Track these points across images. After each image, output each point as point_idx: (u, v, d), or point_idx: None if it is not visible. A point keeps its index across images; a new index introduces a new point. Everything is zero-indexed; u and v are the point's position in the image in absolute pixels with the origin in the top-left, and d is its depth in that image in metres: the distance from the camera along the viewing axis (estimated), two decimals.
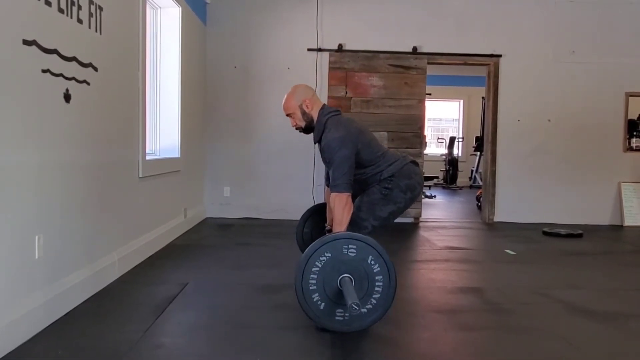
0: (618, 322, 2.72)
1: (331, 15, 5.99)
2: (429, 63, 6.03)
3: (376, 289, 2.29)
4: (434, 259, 4.19)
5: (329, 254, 2.27)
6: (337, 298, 2.28)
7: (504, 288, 3.33)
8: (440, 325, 2.64)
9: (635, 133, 6.43)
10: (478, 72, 7.63)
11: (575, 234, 5.36)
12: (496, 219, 6.22)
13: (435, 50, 6.04)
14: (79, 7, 2.70)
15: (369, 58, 5.94)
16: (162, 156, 4.68)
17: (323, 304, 2.28)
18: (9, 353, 2.12)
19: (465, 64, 6.24)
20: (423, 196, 7.92)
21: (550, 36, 6.15)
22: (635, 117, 6.42)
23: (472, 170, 11.34)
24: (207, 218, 5.99)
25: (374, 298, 2.30)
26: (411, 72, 5.97)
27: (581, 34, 6.16)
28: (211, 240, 4.79)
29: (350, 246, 2.27)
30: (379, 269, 2.28)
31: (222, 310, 2.78)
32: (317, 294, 2.28)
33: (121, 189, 3.40)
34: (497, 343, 2.44)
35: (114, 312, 2.70)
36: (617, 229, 5.97)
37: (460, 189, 11.15)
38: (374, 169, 2.68)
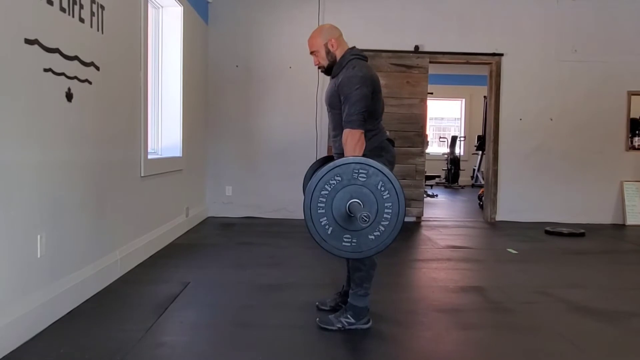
0: (620, 321, 2.72)
1: (333, 13, 5.98)
2: (431, 62, 6.02)
3: (385, 215, 2.24)
4: (436, 258, 4.19)
5: (339, 178, 2.22)
6: (346, 223, 2.22)
7: (506, 287, 3.33)
8: (442, 324, 2.64)
9: (637, 132, 6.42)
10: (480, 71, 7.64)
11: (577, 233, 5.35)
12: (498, 218, 6.21)
13: (437, 49, 6.04)
14: (81, 6, 2.70)
15: (371, 57, 5.86)
16: (164, 155, 4.68)
17: (331, 228, 2.23)
18: (12, 351, 2.12)
19: (467, 62, 6.23)
20: (425, 195, 7.91)
21: (552, 35, 6.14)
22: (637, 115, 6.41)
23: (474, 169, 11.33)
24: (209, 217, 5.99)
25: (382, 225, 2.24)
26: (413, 71, 5.96)
27: (583, 33, 6.14)
28: (213, 240, 4.79)
29: (360, 171, 2.22)
30: (388, 195, 2.23)
31: (223, 309, 2.78)
32: (325, 218, 2.23)
33: (123, 188, 3.40)
34: (499, 342, 2.44)
35: (115, 311, 2.70)
36: (619, 228, 5.96)
37: (462, 188, 11.14)
38: (366, 133, 2.62)
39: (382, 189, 2.22)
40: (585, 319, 2.75)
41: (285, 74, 5.94)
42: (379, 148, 2.60)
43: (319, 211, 2.21)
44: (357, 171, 2.21)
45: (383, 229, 2.23)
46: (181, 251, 4.16)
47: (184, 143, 4.86)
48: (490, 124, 6.29)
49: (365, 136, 2.53)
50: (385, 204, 2.23)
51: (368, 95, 2.49)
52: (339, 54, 2.63)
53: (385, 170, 2.22)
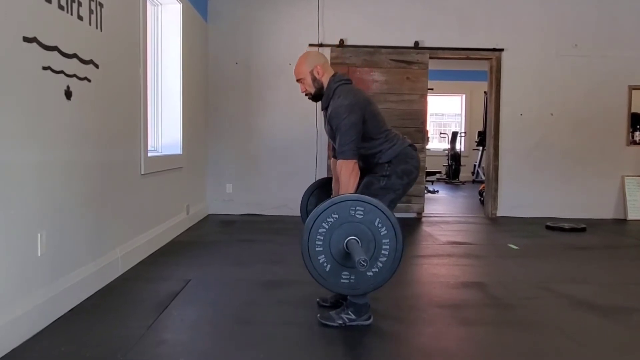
0: (621, 316, 2.72)
1: (332, 10, 5.97)
2: (431, 58, 6.01)
3: (383, 252, 2.25)
4: (437, 254, 4.19)
5: (336, 216, 2.23)
6: (343, 260, 2.24)
7: (507, 283, 3.32)
8: (444, 320, 2.64)
9: (638, 126, 6.41)
10: (480, 66, 7.61)
11: (578, 228, 5.34)
12: (499, 213, 6.21)
13: (437, 44, 6.02)
14: (80, 4, 2.69)
15: (371, 53, 5.92)
16: (164, 153, 4.68)
17: (329, 265, 2.25)
18: (13, 350, 2.12)
19: (468, 58, 6.21)
20: (426, 191, 7.91)
21: (553, 30, 6.12)
22: (638, 110, 6.39)
23: (474, 165, 11.32)
24: (209, 214, 5.99)
25: (380, 261, 2.26)
26: (413, 67, 5.95)
27: (584, 28, 6.12)
28: (214, 237, 4.79)
29: (357, 208, 2.24)
30: (386, 231, 2.25)
31: (224, 307, 2.78)
32: (323, 256, 2.24)
33: (123, 186, 3.40)
34: (500, 338, 2.44)
35: (117, 308, 2.70)
36: (620, 223, 5.96)
37: (463, 183, 11.14)
38: (375, 147, 2.63)
39: (380, 225, 2.25)
40: (586, 315, 2.74)
41: (285, 71, 5.92)
42: (403, 154, 2.66)
43: (317, 249, 2.24)
44: (354, 208, 2.24)
45: (381, 265, 2.26)
46: (182, 249, 4.16)
47: (184, 141, 4.86)
48: (490, 119, 6.28)
49: (380, 151, 2.62)
50: (383, 240, 2.25)
51: (357, 122, 2.53)
52: (325, 81, 2.69)
53: (382, 206, 2.25)
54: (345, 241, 2.23)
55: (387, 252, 2.26)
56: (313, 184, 3.29)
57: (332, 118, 2.57)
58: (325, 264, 2.24)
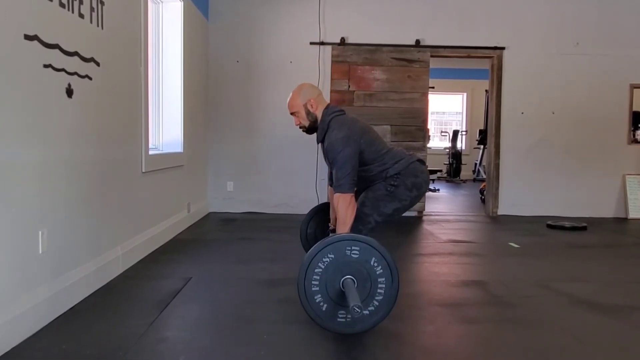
0: (622, 314, 2.72)
1: (333, 8, 5.96)
2: (432, 56, 6.01)
3: (379, 290, 2.29)
4: (437, 253, 4.19)
5: (332, 255, 2.26)
6: (340, 299, 2.27)
7: (508, 281, 3.32)
8: (444, 318, 2.64)
9: (639, 125, 6.40)
10: (481, 64, 7.61)
11: (579, 226, 5.34)
12: (500, 212, 6.21)
13: (438, 43, 6.01)
14: (80, 2, 2.69)
15: (372, 51, 5.92)
16: (165, 151, 4.68)
17: (325, 305, 2.27)
18: (14, 347, 2.13)
19: (469, 56, 6.21)
20: None
21: (554, 28, 6.11)
22: (639, 109, 6.39)
23: (475, 164, 11.32)
24: (210, 212, 6.00)
25: (377, 300, 2.29)
26: (414, 65, 5.94)
27: (585, 26, 6.11)
28: (214, 235, 4.79)
29: (353, 247, 2.27)
30: (381, 270, 2.27)
31: (225, 305, 2.79)
32: (319, 295, 2.27)
33: (124, 184, 3.40)
34: (501, 336, 2.44)
35: (118, 306, 2.70)
36: (621, 222, 5.95)
37: (463, 182, 11.13)
38: (379, 166, 2.67)
39: (375, 264, 2.27)
40: (587, 313, 2.74)
41: (286, 69, 5.93)
42: (412, 168, 2.70)
43: (313, 289, 2.26)
44: (349, 248, 2.26)
45: (377, 303, 2.29)
46: (183, 247, 4.16)
47: (185, 139, 4.86)
48: (491, 118, 6.27)
49: (386, 168, 2.66)
50: (379, 279, 2.28)
51: (353, 155, 2.56)
52: (319, 114, 2.70)
53: (377, 244, 2.27)
54: (342, 281, 2.26)
55: (383, 291, 2.29)
56: (312, 209, 3.37)
57: (328, 151, 2.62)
58: (321, 304, 2.27)
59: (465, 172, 11.57)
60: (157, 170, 4.07)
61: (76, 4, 2.64)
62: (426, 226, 5.49)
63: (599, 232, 5.24)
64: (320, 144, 2.78)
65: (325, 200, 5.08)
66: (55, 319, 2.45)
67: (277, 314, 2.65)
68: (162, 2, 4.68)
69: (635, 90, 6.17)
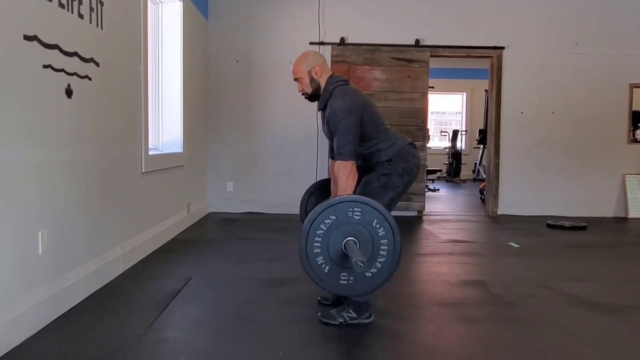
0: (622, 314, 2.72)
1: (333, 8, 5.96)
2: (431, 56, 6.00)
3: (381, 252, 2.26)
4: (437, 252, 4.19)
5: (334, 217, 2.23)
6: (342, 261, 2.24)
7: (507, 281, 3.32)
8: (444, 318, 2.64)
9: (639, 124, 6.39)
10: (481, 64, 7.61)
11: (579, 226, 5.34)
12: (500, 211, 6.21)
13: (438, 42, 6.01)
14: (80, 2, 2.69)
15: (372, 51, 5.92)
16: (165, 151, 4.68)
17: (327, 267, 2.25)
18: (14, 348, 2.12)
19: (469, 56, 6.21)
20: (426, 189, 7.90)
21: (554, 28, 6.11)
22: (639, 108, 6.38)
23: (475, 163, 11.31)
24: (210, 213, 6.00)
25: (379, 262, 2.26)
26: (414, 65, 5.94)
27: (585, 26, 6.11)
28: (214, 235, 4.79)
29: (355, 209, 2.24)
30: (384, 232, 2.25)
31: (225, 305, 2.79)
32: (321, 257, 2.24)
33: (124, 184, 3.40)
34: (501, 336, 2.44)
35: (118, 307, 2.70)
36: (621, 221, 5.95)
37: (463, 182, 11.13)
38: (374, 145, 2.63)
39: (377, 226, 2.25)
40: (587, 312, 2.74)
41: (286, 69, 5.88)
42: (403, 152, 2.65)
43: (315, 250, 2.24)
44: (351, 210, 2.24)
45: (380, 265, 2.26)
46: (183, 247, 4.16)
47: (184, 139, 4.86)
48: (491, 117, 6.27)
49: (380, 149, 2.62)
50: (381, 241, 2.26)
51: (355, 124, 2.53)
52: (322, 82, 2.68)
53: (379, 206, 2.25)
54: (343, 242, 2.23)
55: (385, 253, 2.26)
56: (312, 185, 3.30)
57: (330, 119, 2.57)
58: (323, 266, 2.25)
59: (465, 172, 11.57)
60: (157, 171, 4.07)
61: (76, 4, 2.64)
62: (426, 226, 5.49)
63: (599, 231, 5.24)
64: (321, 112, 2.74)
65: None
66: (55, 320, 2.45)
67: (277, 314, 2.65)
68: (161, 2, 4.68)
69: (635, 89, 6.17)
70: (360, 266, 2.03)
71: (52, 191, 2.47)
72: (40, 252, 2.37)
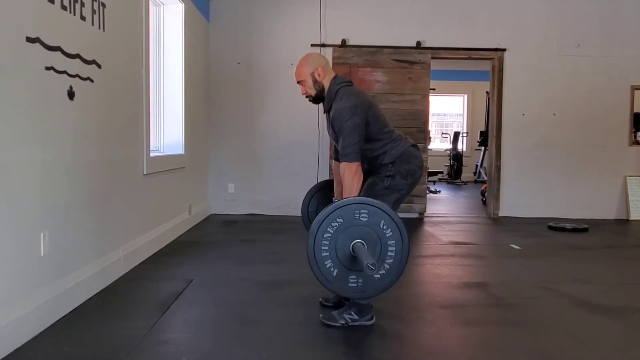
0: (624, 316, 2.71)
1: (334, 10, 5.97)
2: (433, 58, 6.01)
3: (389, 253, 2.25)
4: (439, 254, 4.19)
5: (341, 220, 2.23)
6: (350, 264, 2.24)
7: (509, 282, 3.32)
8: (446, 320, 2.64)
9: None
10: (482, 66, 7.61)
11: (580, 228, 5.34)
12: (501, 213, 6.20)
13: (439, 44, 6.02)
14: (82, 4, 2.70)
15: (373, 53, 5.92)
16: (167, 153, 4.68)
17: (336, 270, 2.24)
18: (16, 350, 2.13)
19: (470, 58, 6.21)
20: (428, 191, 7.90)
21: (555, 29, 6.11)
22: None
23: (476, 165, 11.31)
24: (211, 214, 6.00)
25: (387, 263, 2.26)
26: (415, 67, 5.94)
27: (586, 27, 6.11)
28: (216, 237, 4.80)
29: (362, 211, 2.24)
30: (391, 233, 2.24)
31: (227, 306, 2.79)
32: (329, 260, 2.23)
33: (126, 186, 3.41)
34: (503, 337, 2.43)
35: (119, 308, 2.70)
36: (622, 223, 5.95)
37: (464, 183, 11.12)
38: (378, 148, 2.63)
39: (385, 227, 2.24)
40: (589, 314, 2.74)
41: (287, 71, 5.91)
42: (406, 154, 2.66)
43: (323, 254, 2.24)
44: (358, 211, 2.23)
45: (388, 267, 2.26)
46: (184, 248, 4.16)
47: (186, 141, 4.86)
48: (492, 119, 6.27)
49: (385, 152, 2.62)
50: (389, 242, 2.25)
51: (360, 124, 2.52)
52: (326, 83, 2.67)
53: (386, 207, 2.25)
54: (351, 245, 2.23)
55: (393, 254, 2.26)
56: (314, 186, 3.30)
57: (335, 120, 2.57)
58: (332, 269, 2.25)
59: (466, 174, 11.56)
60: (159, 172, 4.07)
61: (78, 6, 2.65)
62: (427, 228, 5.49)
63: (600, 233, 5.24)
64: (326, 114, 2.73)
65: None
66: (57, 321, 2.45)
67: (279, 315, 2.65)
68: (163, 4, 4.69)
69: (636, 91, 6.17)
70: (372, 269, 2.02)
71: (54, 193, 2.48)
72: (42, 254, 2.37)
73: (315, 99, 2.73)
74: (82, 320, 2.50)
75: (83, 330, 2.37)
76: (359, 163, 2.49)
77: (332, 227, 2.23)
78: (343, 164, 2.50)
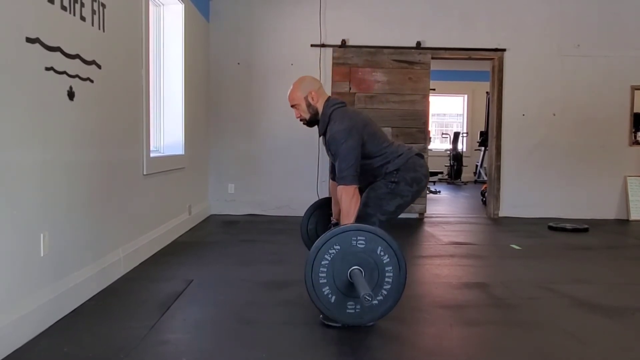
0: (624, 316, 2.71)
1: (334, 10, 5.97)
2: (432, 58, 6.01)
3: (386, 279, 2.27)
4: (439, 255, 4.18)
5: (338, 246, 2.25)
6: (348, 290, 2.25)
7: (509, 283, 3.32)
8: (446, 320, 2.63)
9: None
10: (482, 66, 7.61)
11: (581, 228, 5.34)
12: (501, 213, 6.20)
13: (439, 45, 6.02)
14: (82, 5, 2.70)
15: (373, 53, 5.92)
16: (167, 153, 4.68)
17: (334, 297, 2.26)
18: (16, 350, 2.12)
19: (470, 58, 6.21)
20: (428, 191, 7.90)
21: (555, 30, 6.12)
22: None
23: (476, 165, 11.31)
24: (211, 215, 6.00)
25: (385, 289, 2.27)
26: (415, 67, 5.94)
27: (586, 27, 6.11)
28: (216, 237, 4.79)
29: (359, 237, 2.25)
30: (388, 259, 2.26)
31: (227, 307, 2.78)
32: (327, 287, 2.26)
33: (126, 186, 3.40)
34: (503, 338, 2.43)
35: (119, 309, 2.70)
36: (623, 224, 5.94)
37: (464, 184, 11.12)
38: (380, 160, 2.65)
39: (382, 253, 2.26)
40: (589, 315, 2.74)
41: (287, 71, 5.92)
42: (411, 163, 2.68)
43: (321, 281, 2.26)
44: (355, 238, 2.25)
45: (386, 292, 2.29)
46: (184, 249, 4.16)
47: (186, 141, 4.86)
48: (492, 119, 6.27)
49: (388, 161, 2.64)
50: (386, 268, 2.27)
51: (355, 146, 2.54)
52: (320, 106, 2.68)
53: (382, 233, 2.25)
54: (349, 271, 2.25)
55: (391, 280, 2.28)
56: (312, 205, 3.35)
57: (330, 144, 2.59)
58: (330, 296, 2.27)
59: (467, 174, 11.57)
60: (159, 173, 4.07)
61: (77, 6, 2.64)
62: (427, 228, 5.48)
63: (600, 233, 5.24)
64: (322, 137, 2.77)
65: None
66: (57, 322, 2.45)
67: (279, 316, 2.65)
68: (163, 4, 4.69)
69: (636, 91, 6.17)
70: (368, 300, 2.04)
71: (54, 193, 2.48)
72: (42, 255, 2.37)
73: (310, 122, 2.76)
74: (82, 320, 2.50)
75: (83, 331, 2.37)
76: (356, 186, 2.52)
77: (330, 254, 2.26)
78: (340, 187, 2.53)
